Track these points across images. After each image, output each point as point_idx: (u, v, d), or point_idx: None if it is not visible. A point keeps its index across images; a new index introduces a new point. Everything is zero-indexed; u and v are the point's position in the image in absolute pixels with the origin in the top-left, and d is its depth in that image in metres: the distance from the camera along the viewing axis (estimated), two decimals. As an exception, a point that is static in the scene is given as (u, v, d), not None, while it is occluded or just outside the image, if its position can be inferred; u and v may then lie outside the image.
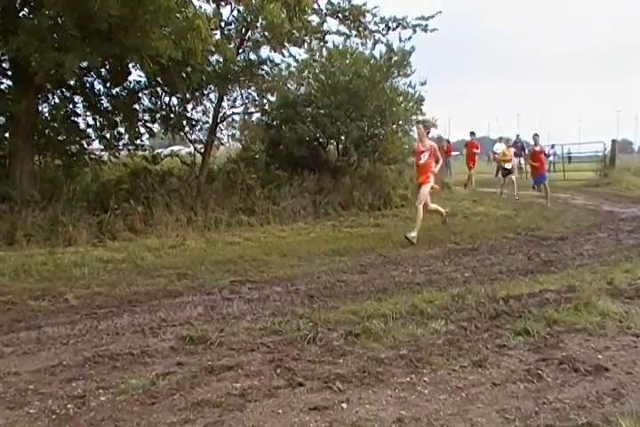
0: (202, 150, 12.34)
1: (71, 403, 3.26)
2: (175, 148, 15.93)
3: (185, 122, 12.20)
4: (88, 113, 11.42)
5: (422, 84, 14.27)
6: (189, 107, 12.32)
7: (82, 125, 11.33)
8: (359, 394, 3.33)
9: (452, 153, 27.66)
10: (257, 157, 14.12)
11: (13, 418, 3.11)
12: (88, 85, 11.31)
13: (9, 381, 3.60)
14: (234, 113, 13.35)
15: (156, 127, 12.20)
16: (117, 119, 11.41)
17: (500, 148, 23.39)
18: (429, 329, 4.45)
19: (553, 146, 27.93)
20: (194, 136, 12.56)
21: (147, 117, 11.94)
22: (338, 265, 7.41)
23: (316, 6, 12.07)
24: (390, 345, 4.13)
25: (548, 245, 8.69)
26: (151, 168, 11.82)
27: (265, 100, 13.27)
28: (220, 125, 13.12)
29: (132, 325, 4.86)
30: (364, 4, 12.63)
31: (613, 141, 23.96)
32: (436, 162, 9.53)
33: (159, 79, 11.12)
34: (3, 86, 10.49)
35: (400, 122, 14.48)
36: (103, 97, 11.47)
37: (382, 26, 13.03)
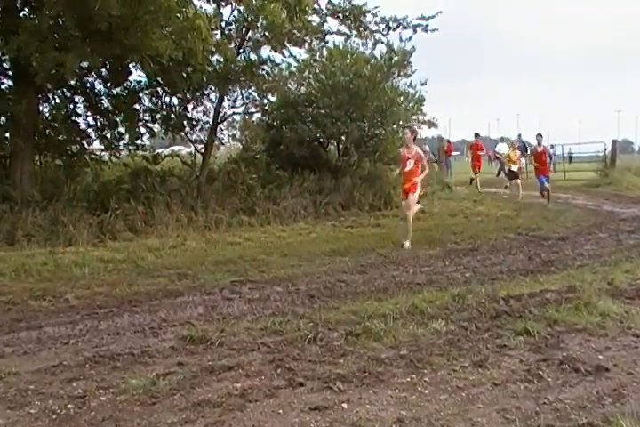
0: (202, 150, 12.34)
1: (72, 403, 3.26)
2: (176, 148, 15.94)
3: (185, 122, 12.20)
4: (88, 113, 11.44)
5: (423, 84, 14.27)
6: (190, 107, 12.33)
7: (82, 125, 11.36)
8: (360, 394, 3.32)
9: (453, 153, 27.68)
10: (257, 157, 14.12)
11: (14, 418, 3.11)
12: (88, 85, 11.32)
13: (9, 381, 3.60)
14: (234, 113, 13.39)
15: (156, 127, 12.22)
16: (118, 119, 11.42)
17: (502, 148, 23.32)
18: (430, 329, 4.45)
19: (552, 146, 27.91)
20: (194, 136, 12.57)
21: (147, 117, 11.95)
22: (338, 265, 7.41)
23: (316, 6, 12.07)
24: (391, 345, 4.13)
25: (549, 246, 8.69)
26: (152, 168, 11.82)
27: (265, 101, 13.28)
28: (221, 125, 13.14)
29: (133, 325, 4.86)
30: (365, 4, 12.63)
31: (614, 141, 23.96)
32: (422, 171, 9.18)
33: (160, 79, 11.12)
34: (3, 86, 10.52)
35: (401, 122, 14.45)
36: (104, 97, 11.48)
37: (383, 26, 13.04)
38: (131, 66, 10.77)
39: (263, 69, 12.20)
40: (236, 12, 11.44)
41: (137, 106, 11.73)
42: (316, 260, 7.79)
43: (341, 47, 13.57)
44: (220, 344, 4.20)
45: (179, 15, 8.76)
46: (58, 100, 11.03)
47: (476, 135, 21.34)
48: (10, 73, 10.23)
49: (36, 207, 9.16)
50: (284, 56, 12.58)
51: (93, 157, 11.66)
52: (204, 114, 12.51)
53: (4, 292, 6.03)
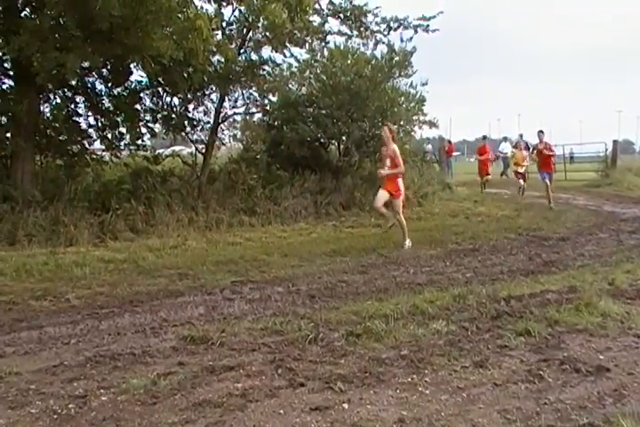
0: (203, 150, 12.34)
1: (72, 403, 3.27)
2: (176, 148, 15.96)
3: (186, 122, 12.19)
4: (89, 113, 11.42)
5: (424, 84, 14.26)
6: (191, 107, 12.31)
7: (83, 125, 11.34)
8: (360, 394, 3.33)
9: (453, 153, 27.66)
10: (258, 157, 14.11)
11: (15, 418, 3.11)
12: (89, 85, 11.31)
13: (10, 381, 3.60)
14: (235, 113, 13.37)
15: (157, 127, 12.20)
16: (119, 119, 11.40)
17: (505, 147, 23.28)
18: (431, 329, 4.45)
19: (555, 146, 27.86)
20: (195, 136, 12.55)
21: (148, 118, 11.93)
22: (339, 265, 7.41)
23: (317, 6, 12.08)
24: (391, 345, 4.13)
25: (550, 246, 8.69)
26: (152, 168, 11.82)
27: (266, 101, 13.27)
28: (222, 126, 13.13)
29: (134, 325, 4.87)
30: (366, 5, 12.64)
31: (615, 142, 23.96)
32: (396, 167, 8.90)
33: (160, 79, 11.11)
34: (4, 86, 10.51)
35: (401, 122, 14.46)
36: (105, 97, 11.47)
37: (384, 26, 13.04)
38: (132, 66, 10.77)
39: (264, 70, 12.20)
40: (236, 13, 11.46)
41: (138, 106, 11.72)
42: (316, 260, 7.79)
43: (342, 47, 13.55)
44: (220, 344, 4.21)
45: (180, 15, 8.76)
46: (59, 101, 11.02)
47: (484, 138, 20.90)
48: (11, 73, 10.23)
49: (37, 207, 9.16)
50: (285, 56, 12.59)
51: (94, 157, 11.65)
52: (204, 114, 12.51)
53: (5, 292, 6.04)
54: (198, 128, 12.48)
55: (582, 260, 7.53)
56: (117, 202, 9.95)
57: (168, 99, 11.97)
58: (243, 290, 6.13)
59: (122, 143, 11.70)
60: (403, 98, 14.07)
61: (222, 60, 11.04)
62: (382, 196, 8.98)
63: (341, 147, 14.40)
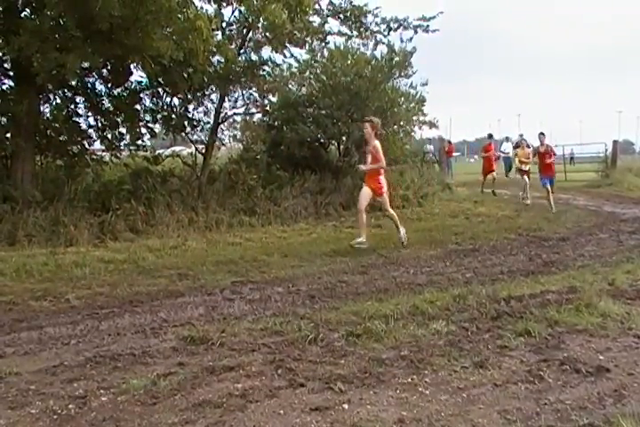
0: (203, 151, 12.35)
1: (72, 403, 3.27)
2: (176, 148, 15.96)
3: (186, 122, 12.20)
4: (89, 113, 11.42)
5: (424, 84, 14.30)
6: (191, 107, 12.32)
7: (83, 126, 11.33)
8: (360, 395, 3.32)
9: (453, 154, 27.66)
10: (258, 157, 14.12)
11: (15, 418, 3.11)
12: (89, 86, 11.31)
13: (10, 381, 3.60)
14: (235, 113, 13.39)
15: (157, 128, 12.21)
16: (119, 120, 11.41)
17: (507, 147, 23.22)
18: (431, 330, 4.44)
19: (555, 146, 27.86)
20: (195, 137, 12.56)
21: (148, 118, 11.94)
22: (339, 266, 7.41)
23: (317, 7, 12.08)
24: (391, 346, 4.13)
25: (550, 246, 8.69)
26: (152, 169, 11.82)
27: (266, 101, 13.30)
28: (222, 126, 13.15)
29: (134, 325, 4.87)
30: (366, 5, 12.65)
31: (615, 142, 23.96)
32: (377, 162, 8.67)
33: (160, 80, 11.12)
34: (4, 87, 10.51)
35: (401, 123, 14.48)
36: (104, 97, 11.47)
37: (383, 26, 13.05)
38: (132, 66, 10.76)
39: (264, 70, 12.22)
40: (236, 13, 11.48)
41: (138, 106, 11.73)
42: (316, 260, 7.79)
43: (342, 48, 13.57)
44: (220, 345, 4.20)
45: (180, 16, 8.76)
46: (59, 101, 11.03)
47: (490, 136, 20.44)
48: (11, 73, 10.23)
49: (37, 207, 9.16)
50: (285, 57, 12.62)
51: (94, 157, 11.66)
52: (204, 114, 12.53)
53: (4, 292, 6.03)
54: (198, 128, 12.50)
55: (582, 260, 7.53)
56: (117, 202, 9.95)
57: (168, 99, 11.98)
58: (243, 290, 6.13)
59: (122, 143, 11.71)
60: (403, 98, 14.10)
61: (222, 60, 11.04)
62: (366, 193, 8.72)
63: (341, 147, 14.42)
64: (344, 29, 13.01)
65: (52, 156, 11.13)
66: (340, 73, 13.23)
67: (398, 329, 4.44)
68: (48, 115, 10.85)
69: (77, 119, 11.25)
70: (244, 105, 13.06)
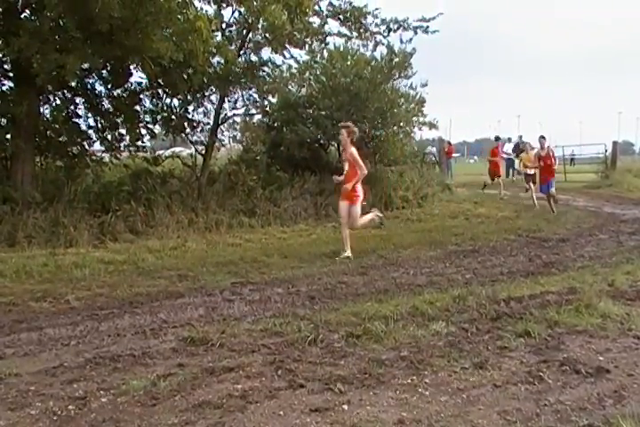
0: (203, 152, 12.35)
1: (72, 404, 3.26)
2: (176, 149, 15.95)
3: (186, 123, 12.20)
4: (89, 114, 11.42)
5: (423, 85, 14.31)
6: (190, 108, 12.31)
7: (83, 127, 11.31)
8: (360, 396, 3.32)
9: (453, 154, 27.65)
10: (258, 158, 14.13)
11: (15, 419, 3.11)
12: (89, 87, 11.31)
13: (10, 382, 3.60)
14: (235, 114, 13.38)
15: (157, 129, 12.23)
16: (118, 120, 11.41)
17: (508, 148, 23.21)
18: (430, 331, 4.45)
19: (548, 147, 27.79)
20: (195, 137, 12.55)
21: (148, 119, 11.93)
22: (339, 267, 7.41)
23: (316, 8, 12.08)
24: (391, 347, 4.13)
25: (549, 247, 8.69)
26: (152, 169, 11.82)
27: (266, 102, 13.28)
28: (221, 127, 13.14)
29: (133, 326, 4.86)
30: (365, 6, 12.64)
31: (614, 143, 24.00)
32: (358, 173, 8.26)
33: (160, 81, 11.12)
34: (4, 88, 10.50)
35: (401, 123, 14.48)
36: (104, 98, 11.47)
37: (383, 27, 13.03)
38: (131, 67, 10.76)
39: (264, 71, 12.23)
40: (236, 14, 11.49)
41: (138, 107, 11.73)
42: (316, 261, 7.79)
43: (342, 49, 13.59)
44: (220, 346, 4.20)
45: (179, 17, 8.77)
46: (58, 102, 11.03)
47: (497, 139, 19.89)
48: (11, 74, 10.22)
49: (37, 209, 9.16)
50: (285, 57, 12.61)
51: (94, 158, 11.64)
52: (204, 115, 12.52)
53: (4, 293, 6.03)
54: (198, 129, 12.50)
55: (582, 261, 7.54)
56: (117, 203, 9.96)
57: (168, 100, 11.97)
58: (242, 291, 6.13)
59: (122, 144, 11.70)
60: (402, 99, 14.11)
61: (222, 61, 11.05)
62: (344, 209, 8.41)
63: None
64: (344, 30, 13.02)
65: (52, 157, 11.13)
66: (339, 74, 13.25)
67: (398, 330, 4.44)
68: (48, 116, 10.85)
69: (77, 120, 11.25)
70: (243, 106, 13.06)
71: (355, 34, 13.05)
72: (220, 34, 11.30)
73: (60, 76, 9.02)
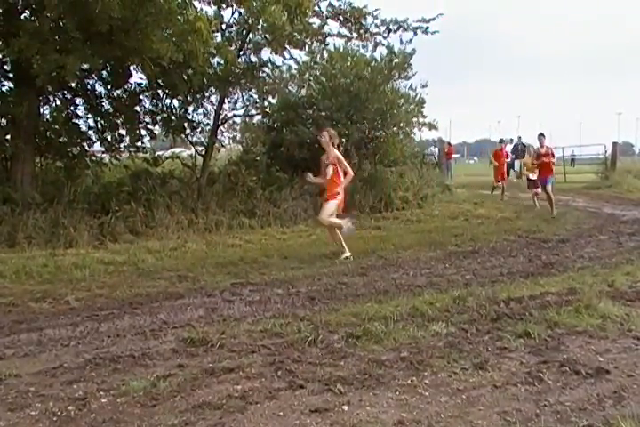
0: (203, 152, 12.35)
1: (72, 405, 3.26)
2: (176, 150, 15.95)
3: (186, 124, 12.21)
4: (89, 115, 11.43)
5: (423, 86, 14.33)
6: (190, 109, 12.34)
7: (83, 127, 11.34)
8: (360, 396, 3.32)
9: (453, 155, 27.68)
10: (258, 159, 14.13)
11: (14, 420, 3.11)
12: (89, 87, 11.32)
13: (10, 383, 3.60)
14: (235, 115, 13.41)
15: (157, 129, 12.23)
16: (118, 121, 11.43)
17: (507, 149, 23.20)
18: (430, 331, 4.45)
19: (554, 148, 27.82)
20: (195, 138, 12.57)
21: (148, 119, 11.95)
22: (338, 267, 7.41)
23: (316, 9, 12.09)
24: (391, 347, 4.13)
25: (549, 248, 8.69)
26: (152, 170, 11.83)
27: (266, 103, 13.31)
28: (221, 128, 13.17)
29: (133, 327, 4.86)
30: (365, 7, 12.66)
31: (614, 144, 24.02)
32: (345, 175, 8.25)
33: (160, 81, 11.13)
34: (4, 88, 10.51)
35: (401, 124, 14.50)
36: (104, 99, 11.48)
37: (383, 28, 13.05)
38: (131, 68, 10.77)
39: (264, 71, 12.25)
40: (236, 15, 11.51)
41: (137, 108, 11.74)
42: (316, 262, 7.79)
43: (342, 49, 13.61)
44: (220, 346, 4.20)
45: (179, 17, 8.77)
46: (58, 103, 11.05)
47: (501, 141, 19.68)
48: (10, 75, 10.24)
49: (37, 209, 9.15)
50: (285, 58, 12.64)
51: (94, 159, 11.65)
52: (204, 116, 12.54)
53: (4, 294, 6.03)
54: (198, 130, 12.51)
55: (582, 262, 7.53)
56: (117, 204, 9.96)
57: (168, 101, 11.99)
58: (242, 292, 6.12)
59: (121, 145, 11.71)
60: (402, 100, 14.13)
61: (222, 62, 11.06)
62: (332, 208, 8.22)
63: (341, 149, 14.39)
64: (344, 31, 13.04)
65: (52, 157, 11.14)
66: (339, 75, 13.26)
67: (398, 331, 4.44)
68: (48, 116, 10.86)
69: (77, 121, 11.27)
70: (243, 107, 13.09)
71: (354, 35, 13.07)
72: (219, 34, 11.32)
73: (59, 77, 9.03)
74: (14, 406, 3.26)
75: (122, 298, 5.89)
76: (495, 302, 5.27)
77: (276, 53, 11.95)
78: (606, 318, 4.73)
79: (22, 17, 9.49)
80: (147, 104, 11.92)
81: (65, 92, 11.01)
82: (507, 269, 7.15)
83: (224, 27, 11.49)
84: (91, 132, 11.48)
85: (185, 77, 10.84)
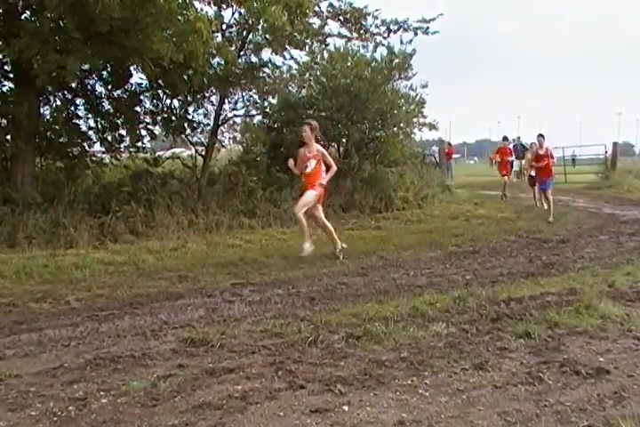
0: (203, 153, 12.35)
1: (72, 405, 3.26)
2: (176, 150, 15.95)
3: (186, 124, 12.21)
4: (89, 115, 11.43)
5: (423, 86, 14.32)
6: (191, 109, 12.34)
7: (83, 128, 11.34)
8: (360, 396, 3.32)
9: (454, 155, 27.68)
10: (258, 159, 14.12)
11: (15, 420, 3.11)
12: (89, 88, 11.32)
13: (10, 383, 3.60)
14: (235, 115, 13.41)
15: (157, 129, 12.23)
16: (119, 121, 11.43)
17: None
18: (430, 332, 4.45)
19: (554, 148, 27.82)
20: (195, 138, 12.57)
21: (148, 120, 11.95)
22: (339, 267, 7.41)
23: (317, 9, 12.11)
24: (391, 348, 4.13)
25: (550, 248, 8.69)
26: (152, 170, 11.82)
27: (266, 103, 13.32)
28: (222, 128, 13.17)
29: (134, 327, 4.86)
30: (366, 7, 12.69)
31: (615, 144, 24.03)
32: (327, 169, 8.22)
33: (160, 81, 11.13)
34: (4, 89, 10.52)
35: (401, 124, 14.49)
36: (104, 99, 11.48)
37: (383, 28, 13.09)
38: (132, 68, 10.77)
39: (264, 72, 12.26)
40: (236, 15, 11.49)
41: (138, 108, 11.74)
42: (316, 262, 7.78)
43: (342, 50, 13.59)
44: (220, 347, 4.20)
45: (180, 18, 8.77)
46: (59, 103, 11.05)
47: (504, 139, 19.47)
48: (11, 75, 10.24)
49: (37, 209, 9.15)
50: (285, 58, 12.66)
51: (94, 159, 11.64)
52: (204, 116, 12.55)
53: (4, 294, 6.03)
54: (198, 130, 12.52)
55: (582, 262, 7.54)
56: (117, 204, 9.96)
57: (168, 101, 11.99)
58: (243, 292, 6.12)
59: (122, 145, 11.71)
60: (402, 100, 14.12)
61: (222, 62, 11.06)
62: (312, 201, 8.11)
63: (341, 149, 14.43)
64: (344, 31, 13.08)
65: (52, 158, 11.14)
66: (339, 75, 13.25)
67: (398, 331, 4.45)
68: (48, 117, 10.85)
69: (77, 121, 11.27)
70: (243, 107, 13.10)
71: (355, 35, 13.10)
72: (220, 35, 11.31)
73: (60, 77, 9.03)
74: (15, 407, 3.26)
75: (122, 298, 5.88)
76: (495, 303, 5.28)
77: (276, 54, 11.96)
78: (606, 318, 4.73)
79: (23, 17, 9.49)
80: (147, 104, 11.94)
81: (65, 92, 11.01)
82: (507, 269, 7.15)
83: (224, 27, 11.49)
84: (91, 133, 11.50)
85: (185, 78, 10.83)
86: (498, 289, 5.87)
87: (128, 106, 11.36)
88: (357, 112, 13.12)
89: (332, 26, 12.96)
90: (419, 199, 14.49)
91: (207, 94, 12.20)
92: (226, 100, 12.51)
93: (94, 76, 11.02)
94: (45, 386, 3.56)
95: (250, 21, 10.98)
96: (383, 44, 13.40)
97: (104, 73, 11.00)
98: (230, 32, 11.74)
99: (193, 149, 12.74)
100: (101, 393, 3.42)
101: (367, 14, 12.73)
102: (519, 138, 26.16)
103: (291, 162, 8.30)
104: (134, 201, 10.18)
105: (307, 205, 8.00)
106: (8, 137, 10.13)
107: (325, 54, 13.70)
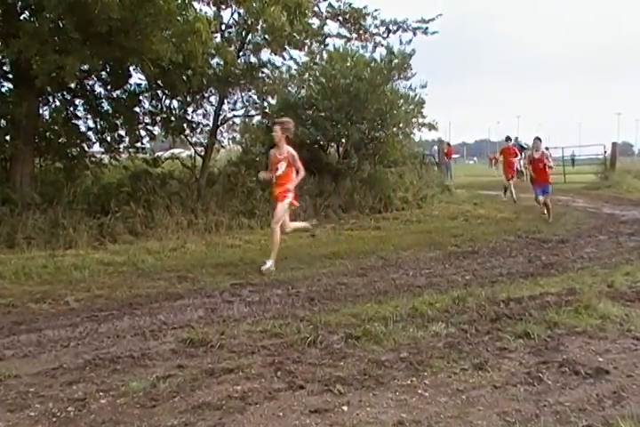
0: (202, 153, 12.35)
1: (72, 406, 3.26)
2: (176, 150, 15.94)
3: (185, 125, 12.20)
4: (89, 116, 11.42)
5: (423, 86, 14.32)
6: (190, 109, 12.33)
7: (82, 128, 11.33)
8: (360, 397, 3.32)
9: (453, 156, 27.69)
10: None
11: (14, 421, 3.11)
12: (89, 88, 11.31)
13: (10, 383, 3.60)
14: (234, 116, 13.39)
15: (156, 130, 12.21)
16: (118, 122, 11.42)
17: None
18: (430, 332, 4.45)
19: (547, 148, 27.80)
20: (194, 139, 12.56)
21: (147, 120, 11.94)
22: (338, 268, 7.41)
23: (316, 9, 12.10)
24: (391, 348, 4.13)
25: (549, 248, 8.69)
26: (152, 171, 11.82)
27: (265, 103, 13.29)
28: (221, 128, 13.16)
29: (133, 327, 4.86)
30: (365, 7, 12.67)
31: (614, 144, 24.05)
32: (297, 173, 7.67)
33: (160, 82, 11.12)
34: (3, 89, 10.51)
35: (401, 125, 14.50)
36: (104, 100, 11.47)
37: (383, 29, 13.07)
38: (131, 69, 10.77)
39: (263, 72, 12.24)
40: (236, 15, 11.49)
41: (137, 109, 11.73)
42: (316, 262, 7.78)
43: (341, 50, 13.60)
44: (220, 347, 4.20)
45: (179, 18, 8.77)
46: (58, 103, 11.03)
47: (507, 139, 19.19)
48: (10, 76, 10.23)
49: (36, 210, 9.15)
50: (284, 59, 12.63)
51: (93, 159, 11.64)
52: (204, 117, 12.54)
53: (4, 295, 6.03)
54: (197, 131, 12.50)
55: (581, 262, 7.54)
56: (117, 205, 9.96)
57: (167, 101, 11.98)
58: (242, 293, 6.12)
59: (121, 146, 11.70)
60: (402, 100, 14.12)
61: (221, 62, 11.06)
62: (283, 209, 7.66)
63: (341, 149, 14.44)
64: (343, 32, 13.06)
65: (52, 158, 11.13)
66: (339, 75, 13.25)
67: (397, 331, 4.45)
68: (47, 117, 10.85)
69: (76, 122, 11.27)
70: (243, 107, 13.08)
71: (354, 35, 13.09)
72: (219, 35, 11.31)
73: (59, 78, 9.03)
74: (14, 407, 3.26)
75: (121, 299, 5.88)
76: (495, 303, 5.28)
77: (275, 54, 11.95)
78: (606, 318, 4.73)
79: (22, 17, 9.49)
80: (146, 105, 11.92)
81: (64, 92, 11.00)
82: (506, 269, 7.15)
83: (223, 27, 11.48)
84: (90, 133, 11.49)
85: (184, 78, 10.82)
86: (497, 289, 5.87)
87: (127, 106, 11.35)
88: (357, 112, 13.12)
89: (332, 26, 13.00)
90: (418, 199, 14.51)
91: (206, 95, 12.19)
92: (225, 101, 12.51)
93: (93, 76, 11.01)
94: (45, 387, 3.55)
95: (249, 22, 10.98)
96: (382, 45, 13.41)
97: (103, 73, 10.99)
98: (229, 32, 11.74)
99: (192, 150, 12.74)
100: (101, 394, 3.42)
101: (366, 14, 12.71)
102: (517, 138, 26.16)
103: (261, 174, 8.15)
104: (133, 201, 10.19)
105: (282, 217, 7.65)
106: (7, 137, 10.12)
107: (325, 55, 13.70)
